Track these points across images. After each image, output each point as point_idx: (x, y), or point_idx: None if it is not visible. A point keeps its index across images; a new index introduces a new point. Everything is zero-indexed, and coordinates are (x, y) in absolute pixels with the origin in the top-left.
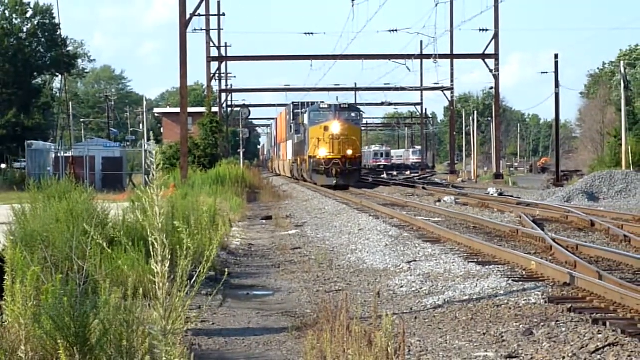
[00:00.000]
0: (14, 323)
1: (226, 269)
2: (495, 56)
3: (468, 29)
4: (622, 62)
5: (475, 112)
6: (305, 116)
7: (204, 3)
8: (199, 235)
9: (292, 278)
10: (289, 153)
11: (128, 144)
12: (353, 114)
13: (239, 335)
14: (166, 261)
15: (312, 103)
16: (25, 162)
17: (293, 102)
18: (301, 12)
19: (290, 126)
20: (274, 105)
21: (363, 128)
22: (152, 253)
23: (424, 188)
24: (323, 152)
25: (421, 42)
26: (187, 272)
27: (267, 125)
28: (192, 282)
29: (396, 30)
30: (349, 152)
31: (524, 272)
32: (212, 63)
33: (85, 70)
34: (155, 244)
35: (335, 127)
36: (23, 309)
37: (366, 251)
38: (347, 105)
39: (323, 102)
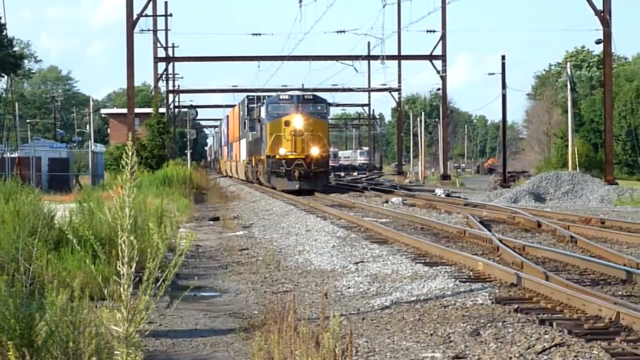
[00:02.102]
0: None
1: (174, 270)
2: (443, 57)
3: (415, 30)
4: (568, 64)
5: (423, 113)
6: (262, 109)
7: (151, 4)
8: (148, 237)
9: (240, 279)
10: (243, 153)
11: (74, 144)
12: (319, 106)
13: (186, 336)
14: (133, 262)
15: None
16: None
17: (247, 96)
18: (249, 13)
19: (244, 122)
20: (221, 106)
21: None
22: (106, 254)
23: (378, 192)
24: (283, 150)
25: (369, 43)
26: (155, 274)
27: (215, 126)
28: (157, 285)
29: (344, 32)
30: (315, 150)
31: (471, 273)
32: (159, 64)
33: (32, 71)
34: (123, 245)
35: (298, 121)
36: None
37: (314, 252)
38: (311, 96)
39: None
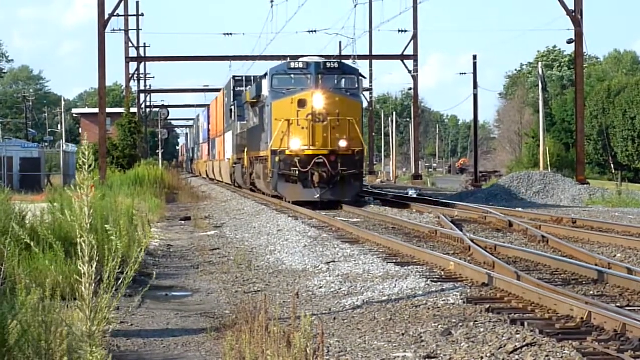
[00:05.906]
0: None
1: (146, 270)
2: (414, 57)
3: (387, 30)
4: (540, 64)
5: (394, 113)
6: (265, 83)
7: (122, 3)
8: (122, 236)
9: (211, 279)
10: (228, 150)
11: (46, 144)
12: (348, 79)
13: (158, 336)
14: (93, 262)
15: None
16: None
17: (234, 77)
18: (221, 12)
19: (230, 111)
20: (192, 106)
21: None
22: (77, 254)
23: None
24: (297, 143)
25: (340, 42)
26: (115, 273)
27: (187, 126)
28: (118, 283)
29: (315, 31)
30: (343, 143)
31: (443, 273)
32: (130, 63)
33: (3, 71)
34: (83, 244)
35: (318, 100)
36: None
37: (285, 252)
38: (336, 65)
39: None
